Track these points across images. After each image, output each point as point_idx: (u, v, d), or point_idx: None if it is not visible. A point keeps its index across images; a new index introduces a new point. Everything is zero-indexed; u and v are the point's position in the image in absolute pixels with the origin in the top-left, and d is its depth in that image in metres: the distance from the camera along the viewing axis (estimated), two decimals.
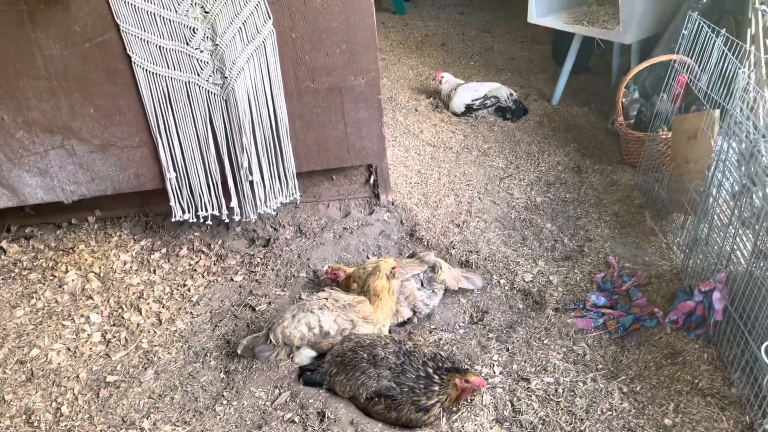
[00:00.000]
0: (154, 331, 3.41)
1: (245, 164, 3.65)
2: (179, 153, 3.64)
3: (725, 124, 3.10)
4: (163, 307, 3.59)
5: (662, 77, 4.19)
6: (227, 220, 3.87)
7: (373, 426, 2.76)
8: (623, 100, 4.46)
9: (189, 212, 3.81)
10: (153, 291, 3.70)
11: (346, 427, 2.74)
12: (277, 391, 2.95)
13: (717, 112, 3.32)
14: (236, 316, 3.49)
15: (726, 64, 3.37)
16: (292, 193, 3.84)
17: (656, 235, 3.80)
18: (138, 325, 3.46)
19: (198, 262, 3.93)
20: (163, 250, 4.03)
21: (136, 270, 3.89)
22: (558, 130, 5.18)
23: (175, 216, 3.79)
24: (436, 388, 2.69)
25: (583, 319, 3.21)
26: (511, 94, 5.45)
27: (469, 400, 2.82)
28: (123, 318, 3.51)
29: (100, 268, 3.89)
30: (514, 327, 3.25)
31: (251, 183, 3.71)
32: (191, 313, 3.54)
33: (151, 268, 3.89)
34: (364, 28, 3.46)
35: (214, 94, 3.49)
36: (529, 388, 2.87)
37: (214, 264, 3.91)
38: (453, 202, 4.28)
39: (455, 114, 5.56)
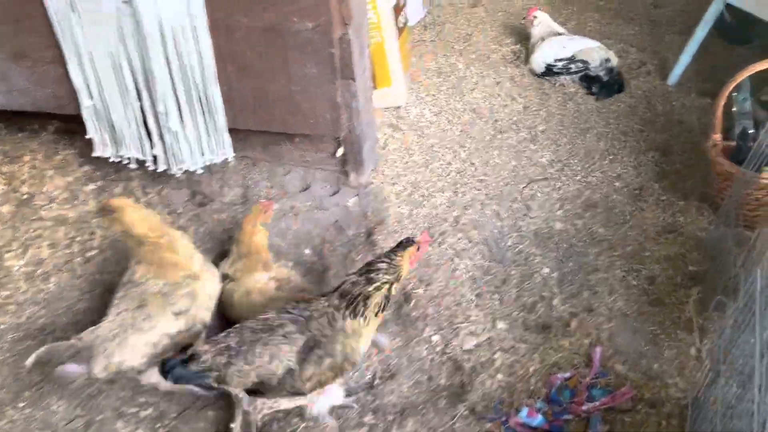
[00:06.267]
0: (20, 286, 2.92)
1: (161, 108, 2.89)
2: (93, 77, 2.97)
3: None
4: (54, 254, 3.08)
5: None
6: (152, 168, 3.19)
7: None
8: (734, 109, 2.95)
9: (111, 149, 3.19)
10: (57, 233, 3.19)
11: None
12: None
13: None
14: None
15: None
16: (223, 151, 3.05)
17: (692, 331, 2.49)
18: (9, 272, 2.99)
19: None
20: (99, 183, 3.47)
21: (60, 201, 3.39)
22: (650, 123, 3.72)
23: (95, 151, 3.20)
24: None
25: None
26: (607, 60, 4.01)
27: None
28: (3, 258, 3.06)
29: (29, 188, 3.45)
30: (406, 416, 2.29)
31: (169, 131, 2.97)
32: (74, 271, 2.99)
33: (75, 203, 3.38)
34: None
35: (122, 11, 2.71)
36: None
37: None
38: (444, 203, 3.21)
39: (533, 73, 4.26)
